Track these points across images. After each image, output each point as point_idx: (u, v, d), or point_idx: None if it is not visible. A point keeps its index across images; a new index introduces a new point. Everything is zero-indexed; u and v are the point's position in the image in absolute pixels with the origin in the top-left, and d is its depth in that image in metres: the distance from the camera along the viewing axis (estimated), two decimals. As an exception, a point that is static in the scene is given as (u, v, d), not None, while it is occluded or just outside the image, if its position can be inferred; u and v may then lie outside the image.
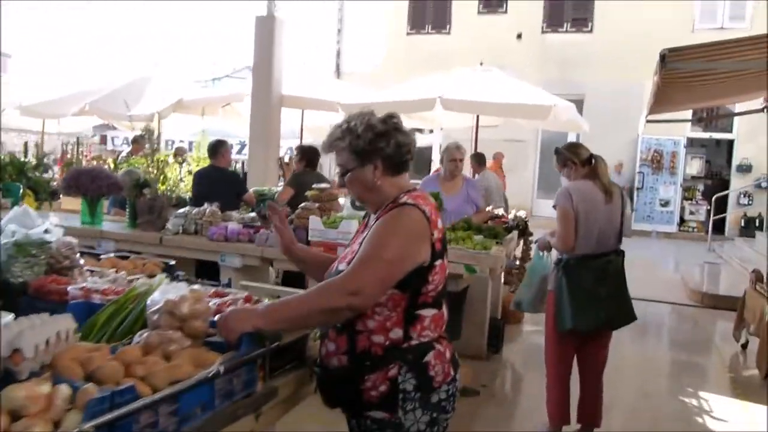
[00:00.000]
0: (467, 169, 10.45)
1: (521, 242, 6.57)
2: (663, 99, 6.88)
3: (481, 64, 10.25)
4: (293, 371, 1.85)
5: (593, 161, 3.69)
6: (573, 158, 3.72)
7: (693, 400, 4.84)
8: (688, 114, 12.83)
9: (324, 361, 1.90)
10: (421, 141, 19.04)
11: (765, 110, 8.40)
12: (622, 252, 3.72)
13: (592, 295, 3.52)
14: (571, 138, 16.80)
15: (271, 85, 9.36)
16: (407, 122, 9.41)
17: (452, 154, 5.29)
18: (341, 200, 5.20)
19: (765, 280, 6.25)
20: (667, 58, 4.90)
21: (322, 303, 1.76)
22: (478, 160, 9.59)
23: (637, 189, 15.75)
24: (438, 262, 1.88)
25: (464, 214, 5.17)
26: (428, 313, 1.87)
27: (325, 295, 1.78)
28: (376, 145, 1.88)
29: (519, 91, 8.97)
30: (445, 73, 9.76)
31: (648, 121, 8.48)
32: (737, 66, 5.24)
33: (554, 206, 3.68)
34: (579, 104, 16.14)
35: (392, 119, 1.93)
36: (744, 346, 6.38)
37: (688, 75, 5.65)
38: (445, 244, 1.93)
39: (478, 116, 9.70)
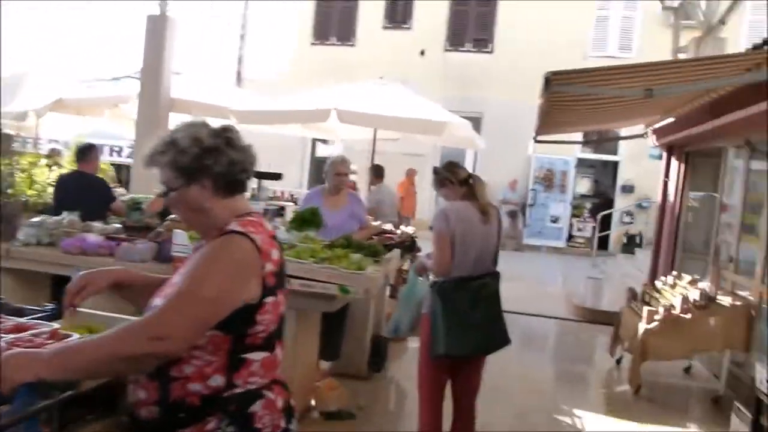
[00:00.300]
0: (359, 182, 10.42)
1: (410, 258, 6.51)
2: (549, 121, 7.06)
3: (381, 78, 10.24)
4: (98, 422, 1.60)
5: (471, 181, 3.63)
6: (451, 178, 3.64)
7: (567, 419, 4.90)
8: (577, 136, 13.36)
9: (135, 411, 1.65)
10: (322, 152, 18.92)
11: (645, 135, 8.82)
12: (498, 274, 3.66)
13: (466, 319, 3.44)
14: (469, 155, 17.19)
15: (161, 87, 8.94)
16: (305, 132, 9.21)
17: (337, 168, 5.13)
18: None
19: (639, 298, 6.50)
20: (551, 81, 4.99)
21: (121, 349, 1.49)
22: (376, 172, 9.59)
23: (530, 206, 16.27)
24: (270, 300, 1.67)
25: (348, 230, 5.02)
26: (257, 356, 1.67)
27: (124, 340, 1.51)
28: (203, 162, 1.67)
29: (416, 106, 9.00)
30: (344, 85, 9.68)
31: (537, 142, 8.70)
32: (617, 92, 5.41)
33: (431, 228, 3.60)
34: (477, 122, 16.55)
35: (225, 133, 1.72)
36: (618, 362, 6.59)
37: (572, 99, 5.79)
38: (281, 278, 1.73)
39: (375, 129, 9.68)
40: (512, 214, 15.85)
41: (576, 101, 5.96)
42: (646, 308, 5.64)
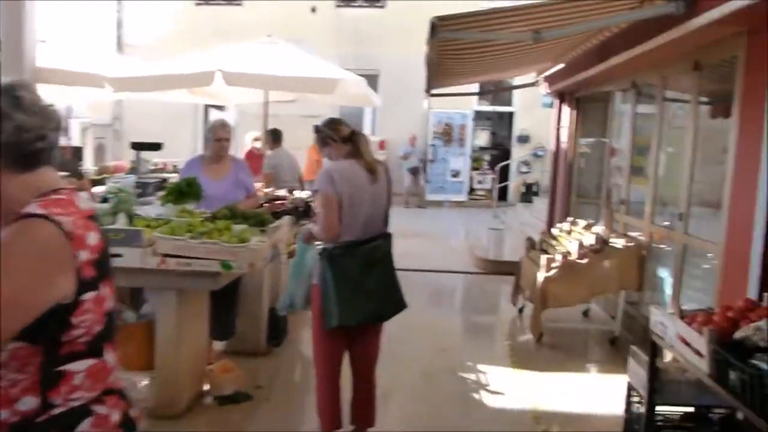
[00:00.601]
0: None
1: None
2: (441, 72, 6.90)
3: (270, 36, 9.78)
4: None
5: (354, 138, 3.38)
6: (333, 136, 3.38)
7: (472, 375, 4.85)
8: (473, 87, 13.37)
9: None
10: (214, 118, 18.11)
11: (537, 83, 8.86)
12: (390, 235, 3.46)
13: (358, 286, 3.22)
14: (367, 112, 16.95)
15: (23, 57, 8.04)
16: (196, 99, 8.54)
17: (217, 133, 4.74)
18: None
19: (537, 246, 6.55)
20: (438, 27, 4.78)
21: None
22: (273, 136, 9.27)
23: (430, 161, 16.29)
24: (89, 296, 1.36)
25: (233, 199, 4.68)
26: (79, 366, 1.36)
27: None
28: None
29: (307, 64, 8.61)
30: (230, 46, 9.16)
31: (430, 95, 8.56)
32: (503, 37, 5.27)
33: (315, 191, 3.34)
34: (374, 79, 16.26)
35: (12, 92, 1.36)
36: (521, 311, 6.66)
37: (461, 46, 5.62)
38: (104, 267, 1.41)
39: (267, 91, 9.30)
40: (414, 171, 15.82)
41: (464, 49, 5.80)
42: (544, 257, 5.66)
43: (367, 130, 16.90)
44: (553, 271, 5.50)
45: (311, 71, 8.35)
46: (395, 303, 3.40)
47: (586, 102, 8.19)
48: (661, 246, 5.56)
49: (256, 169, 10.48)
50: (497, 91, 15.39)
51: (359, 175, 3.29)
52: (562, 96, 8.71)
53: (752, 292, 3.61)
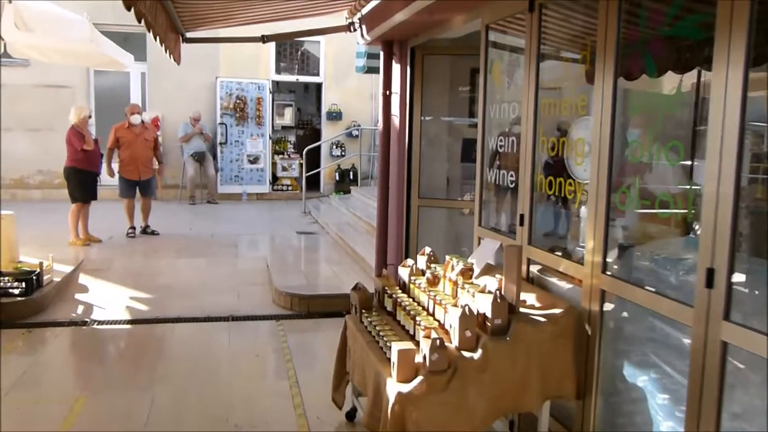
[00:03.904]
0: None
1: None
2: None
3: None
4: None
5: None
6: None
7: None
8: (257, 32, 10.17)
9: None
10: None
11: (353, 28, 5.93)
12: None
13: None
14: (135, 81, 12.99)
15: None
16: None
17: None
18: None
19: (375, 302, 3.63)
20: None
21: None
22: None
23: (221, 144, 12.79)
24: None
25: None
26: None
27: None
28: None
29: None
30: None
31: (186, 41, 5.26)
32: None
33: None
34: (141, 38, 12.47)
35: None
36: (351, 417, 3.74)
37: None
38: None
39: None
40: (198, 157, 12.24)
41: None
42: (395, 346, 2.73)
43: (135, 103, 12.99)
44: (417, 383, 2.60)
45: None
46: None
47: (429, 53, 5.41)
48: (625, 315, 2.88)
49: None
50: (292, 37, 12.10)
51: None
52: (390, 47, 5.87)
53: None
